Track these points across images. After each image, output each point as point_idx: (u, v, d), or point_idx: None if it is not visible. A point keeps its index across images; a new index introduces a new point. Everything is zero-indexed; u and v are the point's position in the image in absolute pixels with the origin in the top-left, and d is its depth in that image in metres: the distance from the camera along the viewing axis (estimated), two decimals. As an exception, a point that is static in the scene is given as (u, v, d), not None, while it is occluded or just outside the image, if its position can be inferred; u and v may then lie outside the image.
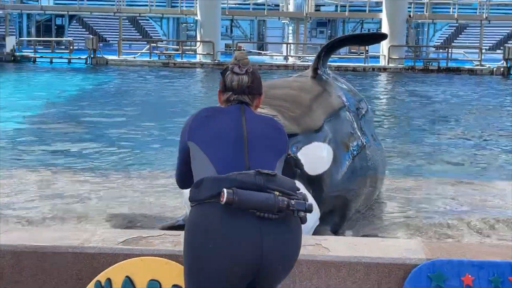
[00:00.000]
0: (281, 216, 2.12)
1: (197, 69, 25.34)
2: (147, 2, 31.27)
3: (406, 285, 2.90)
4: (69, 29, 35.96)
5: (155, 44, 29.21)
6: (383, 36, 6.70)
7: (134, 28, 35.90)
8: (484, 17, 29.18)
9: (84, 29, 35.62)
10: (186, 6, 30.85)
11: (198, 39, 28.31)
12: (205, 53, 27.00)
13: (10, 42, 27.74)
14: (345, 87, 5.28)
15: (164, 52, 28.54)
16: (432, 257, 2.94)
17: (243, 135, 2.31)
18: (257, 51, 31.39)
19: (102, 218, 4.84)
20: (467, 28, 34.54)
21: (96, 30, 35.16)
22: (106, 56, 26.66)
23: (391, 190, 5.87)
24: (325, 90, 4.71)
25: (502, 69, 24.79)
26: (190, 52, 28.18)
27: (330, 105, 4.47)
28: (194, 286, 2.20)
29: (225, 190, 2.08)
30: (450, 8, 30.68)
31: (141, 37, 35.04)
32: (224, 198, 2.07)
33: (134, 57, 27.05)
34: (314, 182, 3.64)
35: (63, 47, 30.45)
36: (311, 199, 3.63)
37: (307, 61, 24.73)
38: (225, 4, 29.88)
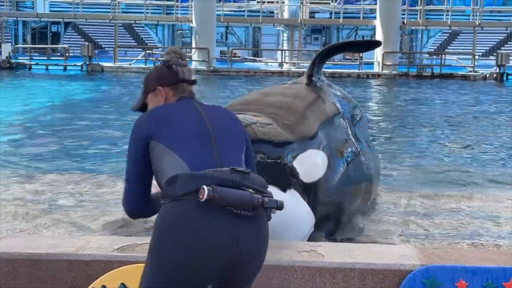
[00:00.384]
0: (255, 213, 2.13)
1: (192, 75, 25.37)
2: (143, 9, 31.32)
3: (401, 291, 2.91)
4: (64, 36, 35.95)
5: (150, 51, 29.25)
6: (377, 43, 6.75)
7: (129, 35, 35.93)
8: (477, 23, 29.35)
9: (80, 36, 35.62)
10: (181, 13, 30.92)
11: (193, 46, 28.36)
12: (200, 59, 27.04)
13: (6, 49, 27.70)
14: (340, 94, 5.31)
15: (159, 59, 28.57)
16: (426, 263, 2.95)
17: (207, 129, 2.29)
18: (252, 57, 31.45)
19: (96, 225, 4.84)
20: (460, 34, 34.72)
21: (92, 37, 35.16)
22: (101, 63, 26.66)
23: (385, 196, 5.90)
24: (320, 97, 4.73)
25: (495, 75, 24.92)
26: (185, 59, 28.21)
27: (325, 112, 4.49)
28: (162, 286, 2.10)
29: (205, 187, 2.06)
30: (443, 15, 30.85)
31: (136, 44, 35.07)
32: (205, 195, 2.04)
33: (130, 64, 27.07)
34: (309, 189, 3.65)
35: (59, 54, 30.41)
36: (306, 206, 3.65)
37: (302, 68, 24.79)
38: (220, 11, 29.96)
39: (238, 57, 30.74)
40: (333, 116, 4.52)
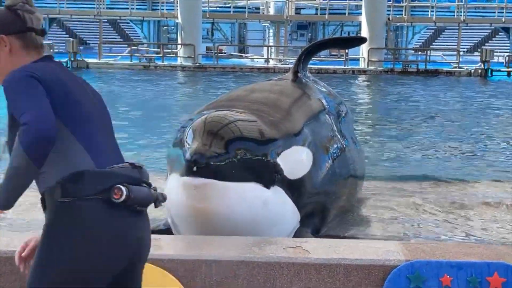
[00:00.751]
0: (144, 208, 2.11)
1: (178, 72, 25.28)
2: (128, 5, 31.11)
3: (386, 286, 2.93)
4: (49, 32, 35.64)
5: (136, 47, 29.07)
6: (362, 40, 6.80)
7: (114, 31, 35.68)
8: (462, 20, 29.52)
9: (65, 32, 35.29)
10: (167, 9, 30.76)
11: (179, 42, 28.22)
12: (186, 56, 26.93)
13: (-11, 46, 27.38)
14: (325, 90, 5.32)
15: (145, 55, 28.42)
16: (411, 258, 2.97)
17: (99, 109, 2.09)
18: (238, 54, 31.38)
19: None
20: (445, 30, 34.93)
21: (77, 33, 34.87)
22: (86, 59, 26.44)
23: (371, 192, 5.92)
24: (305, 94, 4.74)
25: (479, 71, 25.10)
26: (171, 55, 28.08)
27: (310, 109, 4.50)
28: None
29: (122, 187, 1.95)
30: (428, 11, 30.99)
31: (122, 40, 34.84)
32: (123, 196, 1.94)
33: (115, 60, 26.88)
34: (294, 186, 3.66)
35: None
36: (290, 202, 3.66)
37: (288, 64, 24.79)
38: (206, 7, 29.85)
39: (224, 53, 30.64)
40: (318, 113, 4.53)
